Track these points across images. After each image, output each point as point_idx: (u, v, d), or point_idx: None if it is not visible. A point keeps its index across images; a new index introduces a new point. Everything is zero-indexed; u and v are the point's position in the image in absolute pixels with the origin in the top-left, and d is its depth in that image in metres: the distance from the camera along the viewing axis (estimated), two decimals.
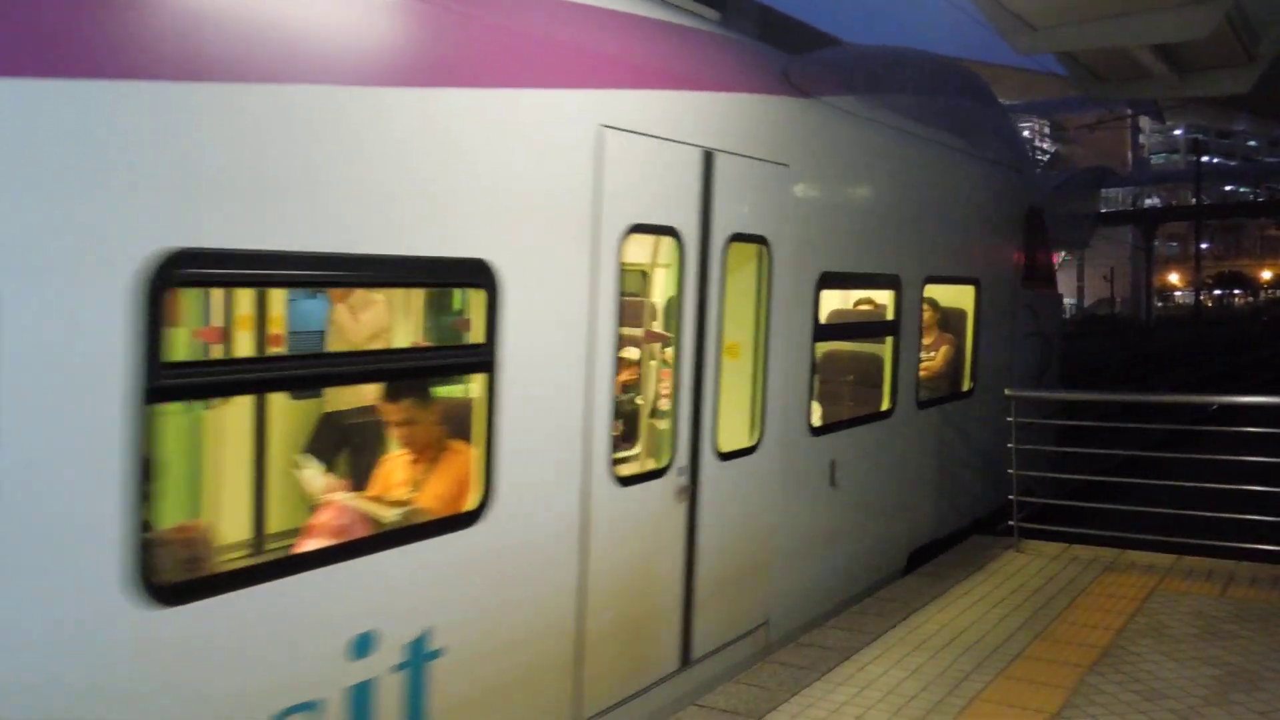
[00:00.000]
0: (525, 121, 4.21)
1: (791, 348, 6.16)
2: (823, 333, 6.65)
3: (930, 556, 7.81)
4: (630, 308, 7.81)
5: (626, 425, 6.38)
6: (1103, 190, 72.58)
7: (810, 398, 6.41)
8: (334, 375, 4.24)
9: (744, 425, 5.86)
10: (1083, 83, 10.41)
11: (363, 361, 4.48)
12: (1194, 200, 64.79)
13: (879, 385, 7.49)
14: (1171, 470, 8.89)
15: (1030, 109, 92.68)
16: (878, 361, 7.58)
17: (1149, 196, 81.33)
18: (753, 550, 5.89)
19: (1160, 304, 77.96)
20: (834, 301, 8.29)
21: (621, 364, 6.16)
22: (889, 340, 7.42)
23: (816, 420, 6.60)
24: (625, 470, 5.02)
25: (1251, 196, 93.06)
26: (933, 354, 8.61)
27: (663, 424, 5.65)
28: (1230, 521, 7.45)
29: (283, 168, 3.28)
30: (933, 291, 8.36)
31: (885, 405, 7.38)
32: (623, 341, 7.53)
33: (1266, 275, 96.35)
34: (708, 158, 5.30)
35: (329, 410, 5.59)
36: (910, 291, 7.55)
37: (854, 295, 8.59)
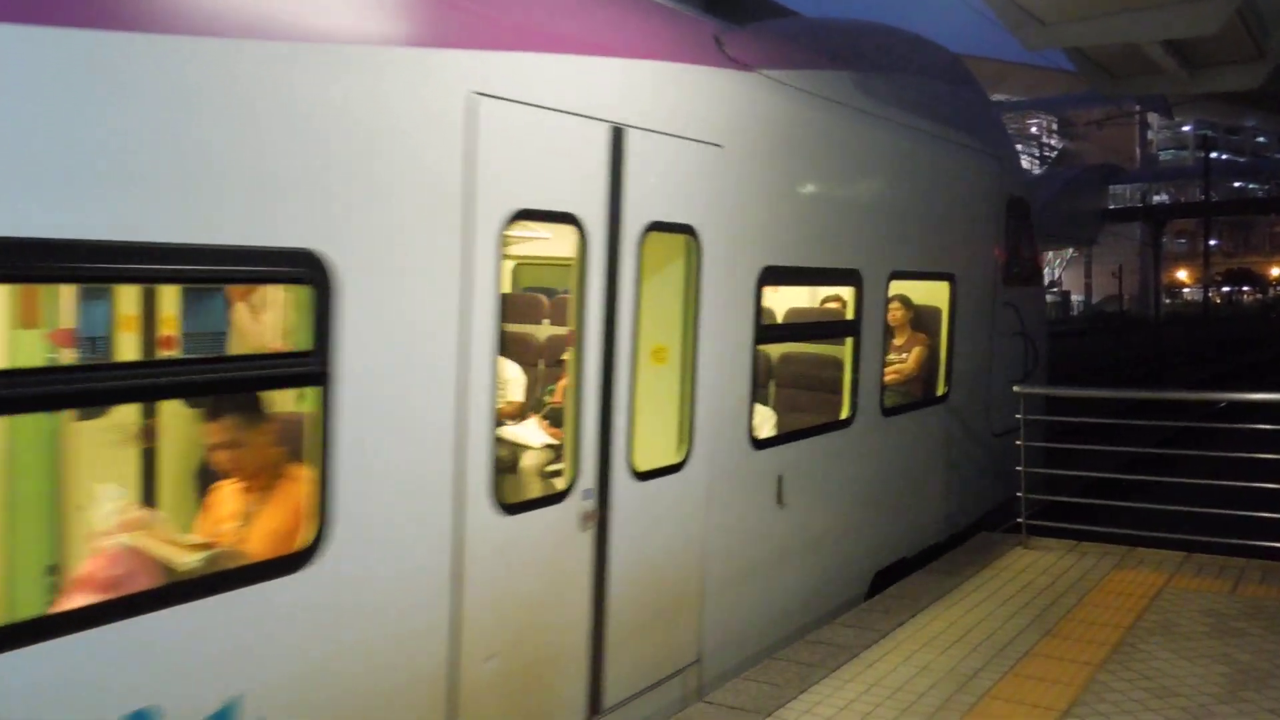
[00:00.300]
0: (371, 85, 3.54)
1: (728, 351, 5.54)
2: (767, 334, 6.05)
3: (898, 576, 7.25)
4: (557, 305, 7.27)
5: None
6: (1111, 187, 72.40)
7: (752, 407, 5.81)
8: (111, 390, 3.25)
9: (670, 439, 5.26)
10: (1092, 79, 10.36)
11: (150, 373, 3.60)
12: (1203, 196, 64.54)
13: (838, 391, 6.90)
14: (1181, 467, 8.86)
15: (1038, 105, 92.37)
16: (837, 365, 6.98)
17: (1157, 193, 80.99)
18: (680, 580, 5.26)
19: (1169, 301, 77.69)
20: (795, 300, 7.95)
21: (556, 371, 5.85)
22: (849, 342, 6.78)
23: (762, 432, 6.10)
24: (527, 492, 4.64)
25: (1261, 193, 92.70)
26: (904, 355, 8.14)
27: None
28: (1241, 519, 7.42)
29: (12, 131, 2.66)
30: (903, 288, 7.93)
31: (844, 413, 6.78)
32: (542, 346, 7.05)
33: (1276, 272, 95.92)
34: (617, 134, 4.66)
35: (139, 430, 4.57)
36: (873, 288, 6.89)
37: (821, 293, 8.22)
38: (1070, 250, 68.97)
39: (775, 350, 7.34)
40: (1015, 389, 8.28)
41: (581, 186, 4.48)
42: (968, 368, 8.44)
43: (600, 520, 4.71)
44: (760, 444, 5.89)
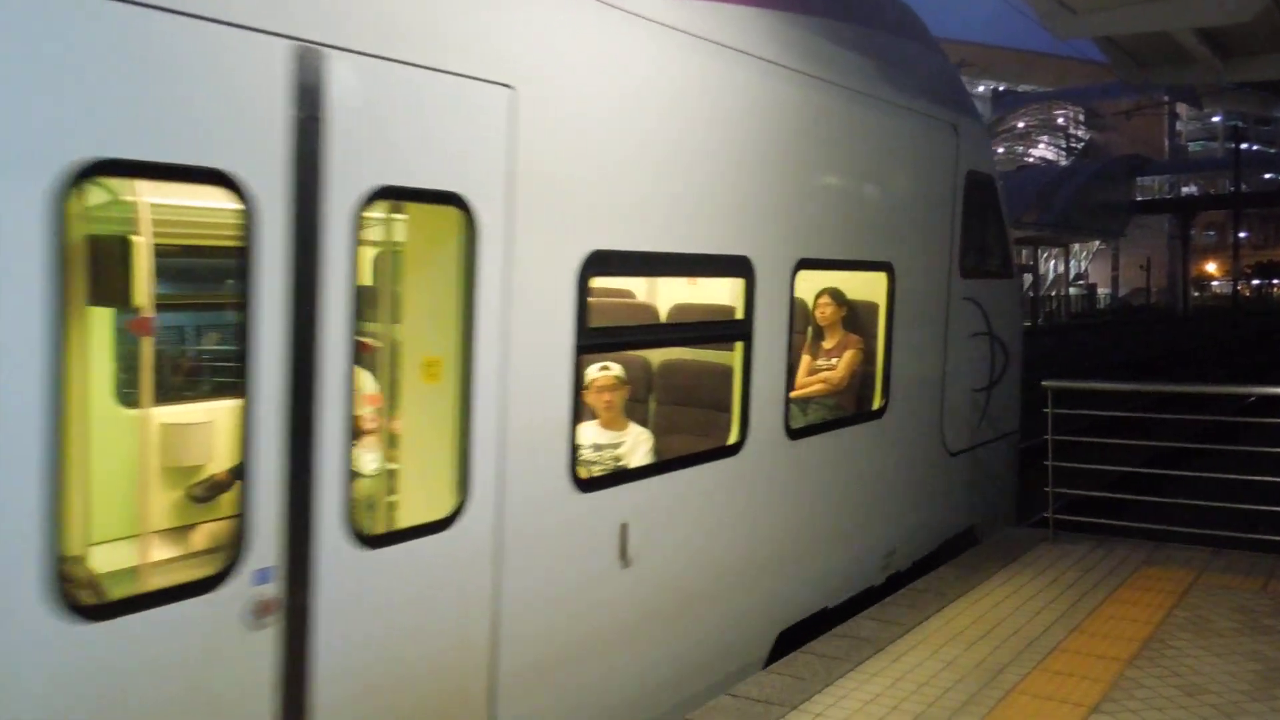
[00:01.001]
0: None
1: (532, 364, 4.16)
2: (597, 340, 4.69)
3: (818, 632, 5.97)
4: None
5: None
6: (1139, 178, 71.73)
7: (574, 433, 4.41)
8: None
9: (437, 487, 3.92)
10: (1123, 68, 10.24)
11: None
12: (1232, 188, 63.77)
13: (725, 410, 5.58)
14: (1210, 462, 8.76)
15: (1065, 96, 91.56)
16: (723, 378, 5.68)
17: (1186, 185, 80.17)
18: (448, 681, 3.92)
19: (1197, 294, 76.89)
20: (710, 293, 6.42)
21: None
22: (738, 348, 5.44)
23: (593, 468, 5.09)
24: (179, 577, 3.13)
25: None
26: (833, 362, 6.89)
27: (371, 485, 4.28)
28: (1271, 514, 7.32)
29: None
30: (830, 281, 6.86)
31: (732, 438, 5.43)
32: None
33: None
34: (308, 58, 3.29)
35: None
36: (771, 280, 5.53)
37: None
38: (1097, 243, 68.31)
39: (657, 358, 6.21)
40: (1044, 384, 8.20)
41: (241, 133, 3.15)
42: (913, 375, 7.18)
43: (293, 611, 3.33)
44: (590, 484, 4.57)
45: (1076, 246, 66.64)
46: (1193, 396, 14.74)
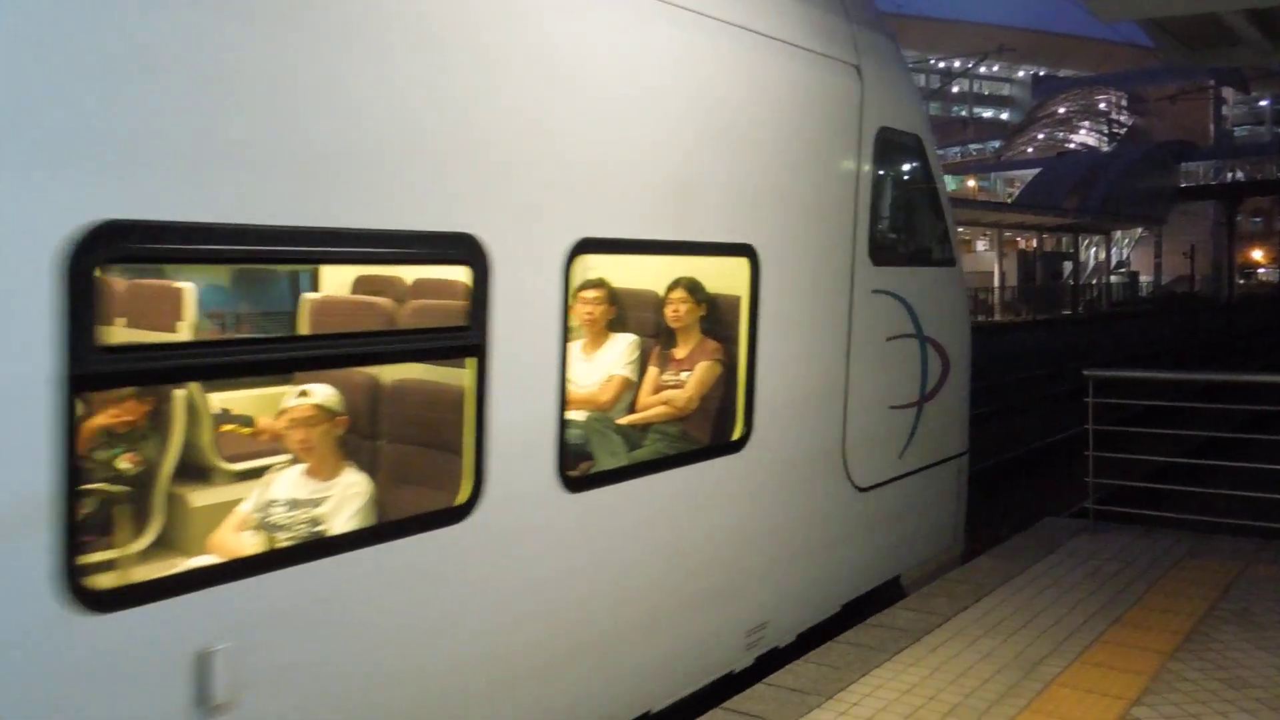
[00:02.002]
0: None
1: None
2: (110, 365, 2.94)
3: None
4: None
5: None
6: (1183, 164, 70.41)
7: (73, 511, 2.75)
8: None
9: None
10: (1168, 51, 10.02)
11: None
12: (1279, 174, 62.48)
13: (453, 455, 3.95)
14: (1255, 452, 8.60)
15: (1107, 80, 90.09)
16: (443, 409, 4.11)
17: (1231, 170, 78.50)
18: None
19: (1241, 281, 75.47)
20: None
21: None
22: (469, 366, 3.85)
23: (278, 536, 3.95)
24: None
25: None
26: (682, 377, 5.41)
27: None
28: None
29: None
30: (677, 269, 5.45)
31: (461, 494, 3.85)
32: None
33: None
34: None
35: None
36: (521, 270, 3.96)
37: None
38: (1139, 230, 67.22)
39: (389, 378, 4.51)
40: (1085, 372, 8.06)
41: None
42: (793, 393, 5.64)
43: None
44: (120, 600, 2.89)
45: (1118, 234, 65.54)
46: (1237, 385, 14.47)
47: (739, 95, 5.17)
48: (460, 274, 3.94)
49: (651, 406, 5.40)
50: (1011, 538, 7.79)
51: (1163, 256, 69.32)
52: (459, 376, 3.96)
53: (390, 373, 4.47)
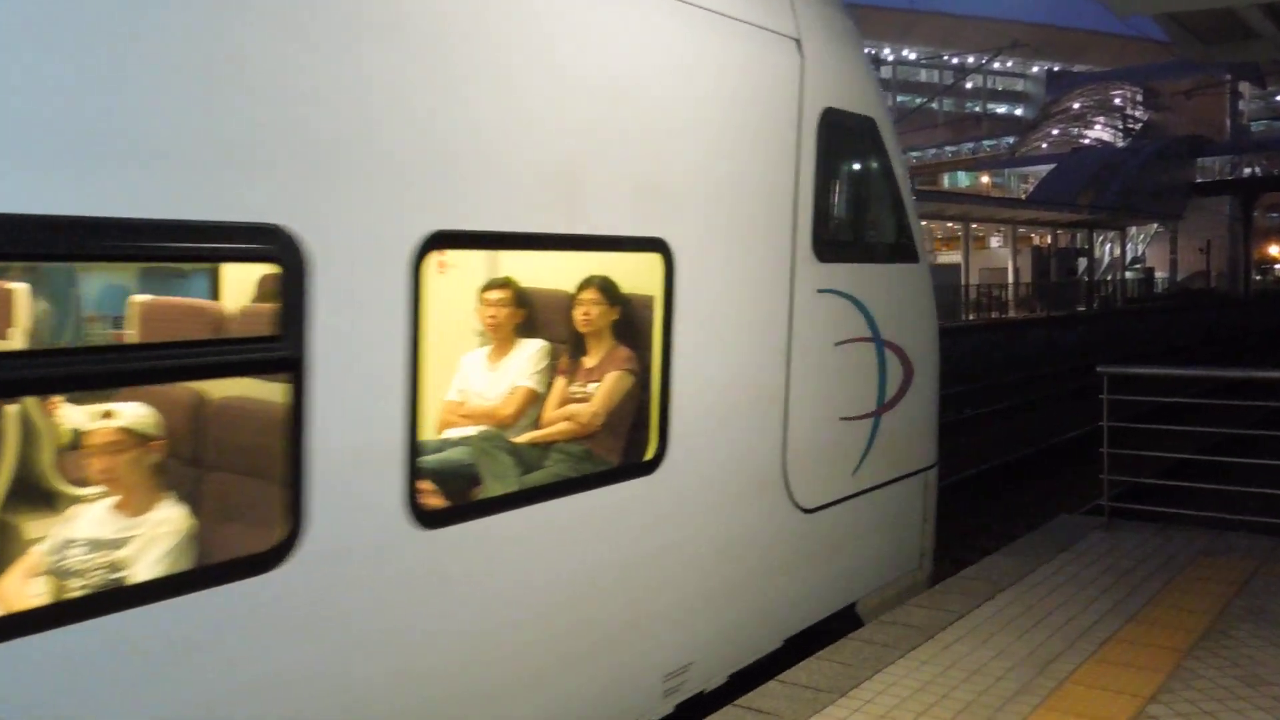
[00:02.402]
0: None
1: None
2: None
3: None
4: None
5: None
6: (1199, 159, 69.89)
7: None
8: None
9: None
10: (1184, 46, 9.97)
11: None
12: None
13: (281, 484, 3.28)
14: (1271, 449, 8.55)
15: (1122, 75, 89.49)
16: (270, 434, 3.35)
17: (1248, 165, 77.96)
18: None
19: (1258, 277, 74.92)
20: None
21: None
22: (285, 385, 3.24)
23: (70, 582, 3.27)
24: None
25: None
26: (590, 389, 4.85)
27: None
28: None
29: None
30: (586, 267, 4.84)
31: (276, 537, 3.24)
32: None
33: None
34: None
35: None
36: (354, 269, 3.38)
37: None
38: (1155, 226, 66.80)
39: (217, 394, 3.84)
40: (1099, 369, 8.02)
41: None
42: (720, 405, 5.02)
43: None
44: None
45: (1133, 229, 65.13)
46: (1253, 382, 14.40)
47: (648, 69, 4.55)
48: (270, 276, 3.29)
49: (554, 422, 4.82)
50: (1026, 535, 7.77)
51: (1178, 252, 68.89)
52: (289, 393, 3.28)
53: (218, 389, 3.75)
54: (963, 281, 43.58)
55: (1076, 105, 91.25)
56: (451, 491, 4.22)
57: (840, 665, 5.17)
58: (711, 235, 4.94)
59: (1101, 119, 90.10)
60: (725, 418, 5.05)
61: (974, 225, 48.25)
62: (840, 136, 5.80)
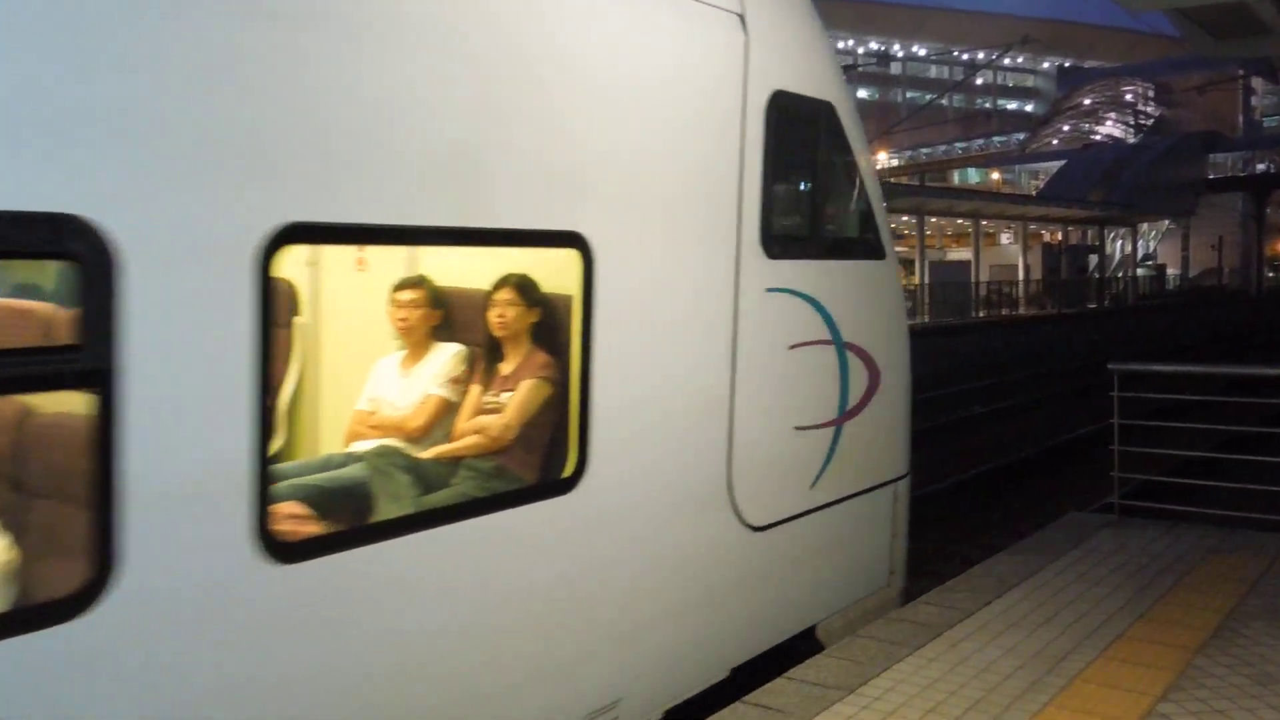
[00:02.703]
0: None
1: None
2: None
3: None
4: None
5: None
6: (1211, 156, 69.56)
7: None
8: None
9: None
10: (1195, 41, 9.92)
11: None
12: None
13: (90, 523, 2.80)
14: None
15: (1134, 71, 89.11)
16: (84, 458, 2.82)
17: (1261, 161, 77.55)
18: None
19: (1271, 274, 74.53)
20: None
21: None
22: (91, 401, 2.78)
23: None
24: None
25: None
26: (503, 398, 4.37)
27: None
28: None
29: None
30: (502, 265, 4.35)
31: (79, 580, 2.76)
32: None
33: None
34: None
35: None
36: (171, 266, 2.89)
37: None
38: (1166, 222, 66.52)
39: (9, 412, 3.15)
40: (1110, 366, 7.98)
41: None
42: (647, 417, 4.55)
43: None
44: None
45: (1145, 226, 64.87)
46: (1265, 379, 14.33)
47: (562, 42, 4.10)
48: (64, 277, 2.84)
49: (464, 435, 4.35)
50: (1035, 533, 7.75)
51: (1190, 249, 68.62)
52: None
53: (9, 406, 3.11)
54: (973, 278, 43.51)
55: (1088, 101, 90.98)
56: (326, 518, 3.69)
57: (848, 662, 5.16)
58: (639, 230, 4.47)
59: (1113, 115, 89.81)
60: (657, 429, 4.60)
61: (984, 222, 48.12)
62: (793, 122, 5.33)
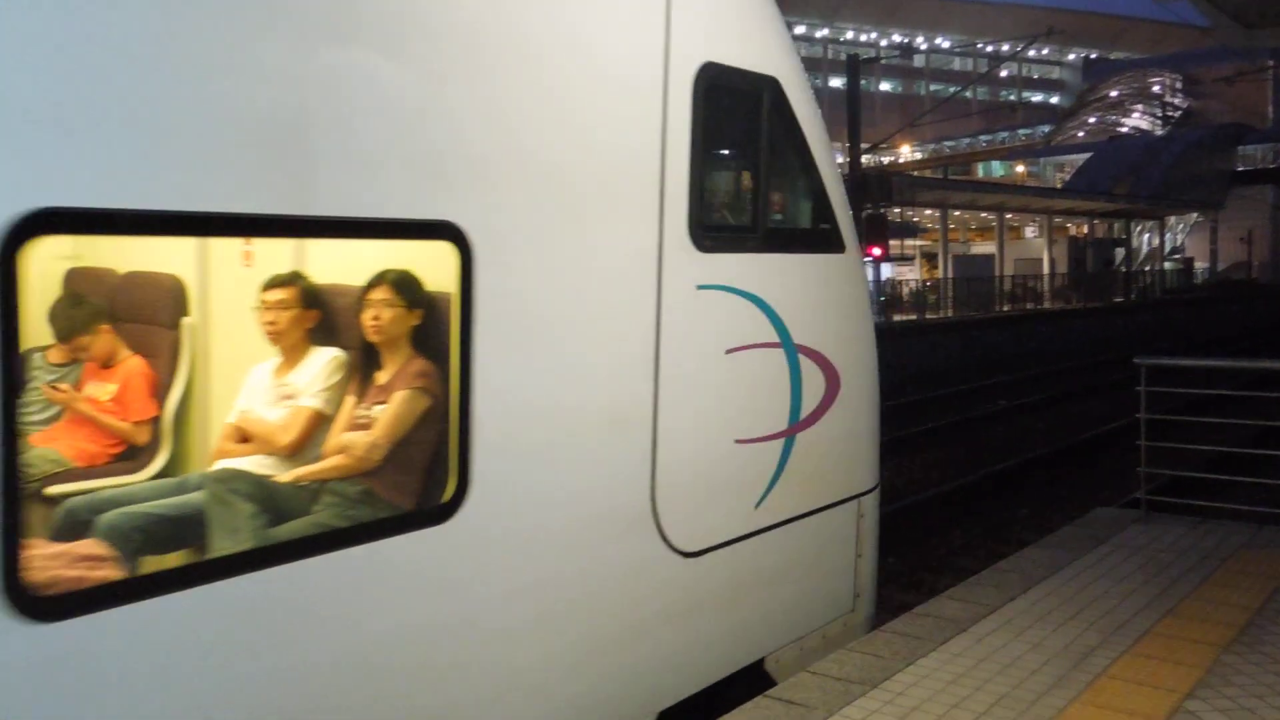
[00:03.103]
0: None
1: None
2: None
3: None
4: None
5: None
6: (1240, 147, 68.70)
7: None
8: None
9: None
10: (1225, 30, 9.81)
11: None
12: None
13: None
14: None
15: (1160, 62, 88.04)
16: None
17: None
18: None
19: None
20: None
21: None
22: None
23: None
24: None
25: None
26: (375, 412, 3.73)
27: None
28: None
29: None
30: (377, 261, 3.66)
31: None
32: None
33: None
34: None
35: None
36: None
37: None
38: (1195, 215, 65.76)
39: None
40: (1135, 360, 7.91)
41: None
42: (545, 433, 4.01)
43: None
44: None
45: (1172, 219, 64.16)
46: None
47: (438, 17, 3.57)
48: None
49: (328, 455, 3.68)
50: (1061, 528, 7.69)
51: (1219, 243, 67.82)
52: None
53: None
54: (997, 272, 43.19)
55: (1114, 93, 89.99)
56: (123, 561, 3.01)
57: (872, 657, 5.15)
58: (533, 220, 3.91)
59: (1140, 107, 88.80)
60: (558, 446, 4.05)
61: (1009, 215, 47.74)
62: (728, 99, 4.77)
